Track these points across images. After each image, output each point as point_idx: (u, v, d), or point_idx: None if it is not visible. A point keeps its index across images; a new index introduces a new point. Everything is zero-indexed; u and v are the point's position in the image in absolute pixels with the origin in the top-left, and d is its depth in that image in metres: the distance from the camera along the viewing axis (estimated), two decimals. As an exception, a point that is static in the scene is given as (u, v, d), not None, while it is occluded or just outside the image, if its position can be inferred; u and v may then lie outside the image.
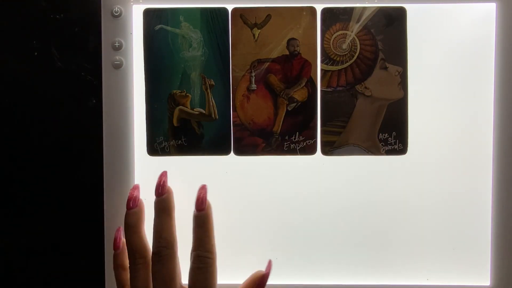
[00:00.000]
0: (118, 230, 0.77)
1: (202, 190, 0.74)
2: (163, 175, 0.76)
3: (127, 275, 0.75)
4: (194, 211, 0.73)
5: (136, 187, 0.77)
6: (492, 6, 0.79)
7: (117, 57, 0.79)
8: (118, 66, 0.79)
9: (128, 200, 0.75)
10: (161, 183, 0.74)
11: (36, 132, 0.83)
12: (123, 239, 0.76)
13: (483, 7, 0.79)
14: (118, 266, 0.76)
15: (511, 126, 0.79)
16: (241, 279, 0.78)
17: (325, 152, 0.79)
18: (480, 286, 0.82)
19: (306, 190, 0.80)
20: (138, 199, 0.76)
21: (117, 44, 0.79)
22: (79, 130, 0.83)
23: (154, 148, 0.79)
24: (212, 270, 0.72)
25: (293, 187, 0.80)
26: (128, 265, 0.75)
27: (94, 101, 0.82)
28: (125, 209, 0.75)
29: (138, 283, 0.72)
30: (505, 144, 0.79)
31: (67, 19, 0.83)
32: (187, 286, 0.72)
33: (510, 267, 0.81)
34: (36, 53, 0.83)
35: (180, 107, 0.79)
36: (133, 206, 0.74)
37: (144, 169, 0.80)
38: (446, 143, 0.80)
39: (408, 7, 0.78)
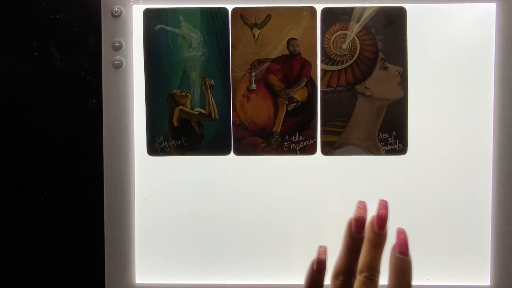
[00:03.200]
0: (323, 252, 0.73)
1: (403, 235, 0.71)
2: (385, 207, 0.72)
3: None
4: (397, 254, 0.69)
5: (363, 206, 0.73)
6: (492, 6, 0.79)
7: (117, 57, 0.79)
8: (118, 66, 0.79)
9: (359, 221, 0.71)
10: (386, 217, 0.71)
11: (36, 132, 0.83)
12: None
13: (483, 7, 0.79)
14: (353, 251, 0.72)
15: (511, 126, 0.79)
16: (242, 279, 0.78)
17: (325, 152, 0.79)
18: (480, 286, 0.82)
19: (306, 190, 0.80)
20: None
21: (117, 44, 0.79)
22: (79, 130, 0.83)
23: (154, 148, 0.79)
24: None
25: (293, 187, 0.80)
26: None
27: (94, 101, 0.82)
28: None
29: None
30: (505, 143, 0.79)
31: (67, 19, 0.83)
32: None
33: (510, 267, 0.81)
34: (36, 53, 0.83)
35: (180, 107, 0.79)
36: (363, 227, 0.71)
37: (144, 169, 0.81)
38: (446, 143, 0.80)
39: (408, 7, 0.78)
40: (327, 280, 0.70)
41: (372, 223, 0.71)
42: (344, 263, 0.71)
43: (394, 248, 0.70)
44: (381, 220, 0.71)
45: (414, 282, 0.80)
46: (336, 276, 0.71)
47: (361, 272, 0.71)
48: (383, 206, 0.71)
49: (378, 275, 0.71)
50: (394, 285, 0.70)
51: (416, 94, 0.79)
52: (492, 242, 0.81)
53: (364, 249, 0.71)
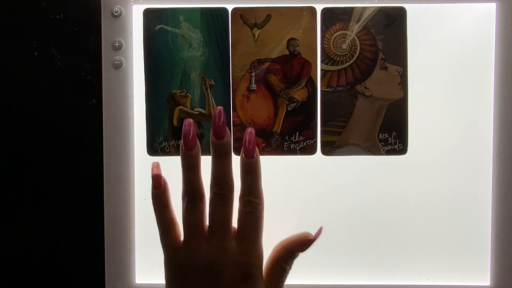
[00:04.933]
0: (156, 167, 0.75)
1: (250, 136, 0.73)
2: (221, 114, 0.72)
3: (172, 213, 0.74)
4: (242, 157, 0.72)
5: (189, 122, 0.72)
6: (492, 6, 0.79)
7: (117, 57, 0.79)
8: (118, 66, 0.79)
9: (186, 140, 0.72)
10: (222, 124, 0.72)
11: (36, 132, 0.83)
12: (163, 178, 0.74)
13: (483, 7, 0.79)
14: (162, 206, 0.73)
15: (511, 126, 0.79)
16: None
17: (325, 152, 0.79)
18: (480, 286, 0.82)
19: (306, 190, 0.80)
20: (196, 138, 0.73)
21: (117, 44, 0.79)
22: (79, 130, 0.83)
23: (154, 148, 0.79)
24: (261, 215, 0.72)
25: (293, 187, 0.80)
26: (170, 204, 0.74)
27: (94, 101, 0.82)
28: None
29: (196, 221, 0.71)
30: (505, 143, 0.79)
31: (67, 19, 0.83)
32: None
33: (510, 267, 0.81)
34: (36, 53, 0.83)
35: (180, 107, 0.79)
36: (192, 147, 0.72)
37: (144, 169, 0.81)
38: (446, 143, 0.80)
39: (408, 7, 0.78)
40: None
41: (211, 132, 0.72)
42: (184, 183, 0.72)
43: (242, 151, 0.72)
44: (218, 129, 0.72)
45: (414, 282, 0.81)
46: (182, 199, 0.72)
47: (210, 189, 0.72)
48: (219, 115, 0.72)
49: (228, 189, 0.71)
50: (242, 188, 0.72)
51: (416, 94, 0.79)
52: (492, 242, 0.81)
53: (211, 164, 0.72)
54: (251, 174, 0.72)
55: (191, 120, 0.72)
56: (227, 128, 0.72)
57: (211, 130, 0.72)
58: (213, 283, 0.70)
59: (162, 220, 0.73)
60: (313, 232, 0.73)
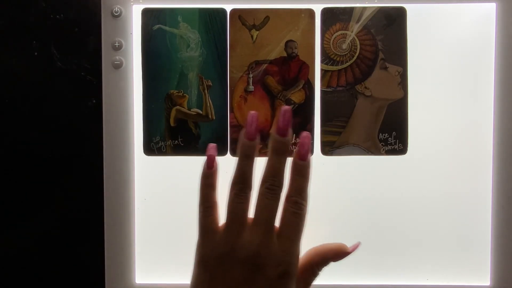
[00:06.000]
0: (212, 148, 0.75)
1: (307, 139, 0.72)
2: (289, 113, 0.71)
3: (216, 196, 0.74)
4: (295, 159, 0.72)
5: (255, 114, 0.72)
6: (492, 6, 0.79)
7: (117, 57, 0.79)
8: (118, 66, 0.79)
9: (249, 130, 0.72)
10: (289, 124, 0.71)
11: (35, 132, 0.83)
12: (216, 160, 0.75)
13: (483, 7, 0.79)
14: (209, 185, 0.74)
15: (511, 126, 0.79)
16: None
17: (325, 152, 0.79)
18: (480, 286, 0.82)
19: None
20: (258, 130, 0.73)
21: (117, 44, 0.79)
22: (79, 130, 0.83)
23: (151, 148, 0.79)
24: (305, 217, 0.71)
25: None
26: (217, 186, 0.74)
27: (94, 101, 0.82)
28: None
29: (243, 209, 0.72)
30: (505, 144, 0.79)
31: (67, 19, 0.83)
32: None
33: (510, 267, 0.81)
34: (36, 53, 0.83)
35: (177, 107, 0.79)
36: (252, 138, 0.72)
37: (145, 169, 0.81)
38: (446, 143, 0.80)
39: (408, 7, 0.78)
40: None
41: (273, 129, 0.71)
42: (237, 171, 0.72)
43: (295, 152, 0.71)
44: (282, 127, 0.71)
45: (414, 282, 0.80)
46: (232, 187, 0.72)
47: (262, 183, 0.71)
48: (285, 114, 0.71)
49: (280, 186, 0.71)
50: (290, 188, 0.71)
51: (416, 94, 0.79)
52: (492, 242, 0.81)
53: (267, 159, 0.72)
54: (302, 176, 0.72)
55: (256, 112, 0.72)
56: (291, 129, 0.72)
57: (275, 128, 0.71)
58: (250, 275, 0.69)
59: (205, 200, 0.74)
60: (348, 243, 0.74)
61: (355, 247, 0.74)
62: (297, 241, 0.71)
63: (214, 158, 0.74)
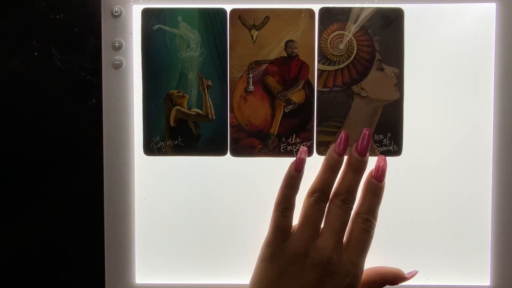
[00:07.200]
0: (304, 151, 0.77)
1: (383, 162, 0.77)
2: (368, 136, 0.77)
3: (295, 198, 0.76)
4: (371, 179, 0.76)
5: (346, 135, 0.77)
6: (492, 6, 0.79)
7: (117, 57, 0.79)
8: (118, 66, 0.79)
9: (339, 147, 0.76)
10: (368, 147, 0.76)
11: (36, 132, 0.83)
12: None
13: (483, 7, 0.79)
14: (292, 187, 0.76)
15: (511, 127, 0.79)
16: (241, 279, 0.79)
17: (320, 152, 0.79)
18: (480, 286, 0.82)
19: (303, 191, 0.80)
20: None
21: (117, 44, 0.79)
22: (79, 130, 0.83)
23: (151, 148, 0.79)
24: (372, 236, 0.76)
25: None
26: (298, 188, 0.76)
27: (94, 101, 0.82)
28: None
29: (318, 217, 0.75)
30: (505, 145, 0.79)
31: (67, 19, 0.83)
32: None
33: (510, 267, 0.81)
34: (36, 53, 0.83)
35: (177, 107, 0.79)
36: (342, 154, 0.76)
37: (145, 169, 0.81)
38: (442, 145, 0.80)
39: (407, 8, 0.77)
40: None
41: (354, 149, 0.76)
42: (320, 180, 0.76)
43: (371, 173, 0.76)
44: (363, 148, 0.75)
45: (414, 282, 0.80)
46: (311, 193, 0.76)
47: (337, 195, 0.76)
48: (365, 136, 0.76)
49: (353, 201, 0.76)
50: (362, 205, 0.76)
51: (412, 95, 0.79)
52: (492, 242, 0.81)
53: (343, 174, 0.76)
54: (375, 196, 0.76)
55: (347, 132, 0.77)
56: (369, 151, 0.76)
57: (355, 147, 0.76)
58: (320, 279, 0.73)
59: (285, 200, 0.76)
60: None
61: (413, 275, 0.78)
62: (363, 257, 0.75)
63: (304, 162, 0.76)
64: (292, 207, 0.76)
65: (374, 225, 0.76)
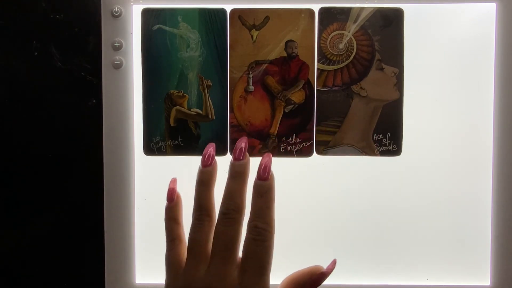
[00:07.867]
0: (172, 181, 0.76)
1: (267, 158, 0.73)
2: (244, 143, 0.74)
3: (180, 229, 0.73)
4: (256, 180, 0.71)
5: (212, 145, 0.75)
6: (492, 6, 0.79)
7: (117, 57, 0.79)
8: (118, 66, 0.79)
9: (204, 157, 0.73)
10: (244, 147, 0.73)
11: (35, 132, 0.83)
12: (178, 193, 0.76)
13: (483, 7, 0.79)
14: (171, 219, 0.73)
15: (511, 127, 0.79)
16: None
17: (320, 151, 0.79)
18: (480, 286, 0.82)
19: (301, 191, 0.80)
20: (214, 158, 0.74)
21: (117, 44, 0.79)
22: (79, 130, 0.83)
23: (151, 147, 0.79)
24: (269, 244, 0.68)
25: (289, 188, 0.80)
26: (180, 219, 0.74)
27: (94, 101, 0.82)
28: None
29: (200, 238, 0.69)
30: (505, 145, 0.79)
31: (67, 19, 0.83)
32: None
33: (510, 267, 0.81)
34: (36, 53, 0.83)
35: (177, 107, 0.79)
36: (208, 164, 0.73)
37: (145, 169, 0.81)
38: (442, 145, 0.80)
39: (407, 8, 0.78)
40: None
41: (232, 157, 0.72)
42: (196, 198, 0.72)
43: (256, 174, 0.71)
44: (237, 150, 0.72)
45: (414, 282, 0.80)
46: (192, 214, 0.71)
47: (220, 210, 0.70)
48: (238, 140, 0.74)
49: (238, 211, 0.69)
50: (250, 212, 0.69)
51: (411, 95, 0.79)
52: (492, 242, 0.81)
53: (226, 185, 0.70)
54: (262, 196, 0.70)
55: (213, 144, 0.76)
56: (247, 153, 0.73)
57: (233, 154, 0.74)
58: None
59: (169, 233, 0.73)
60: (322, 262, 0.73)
61: (331, 266, 0.72)
62: (259, 275, 0.67)
63: (174, 192, 0.74)
64: (177, 238, 0.72)
65: (266, 231, 0.68)
